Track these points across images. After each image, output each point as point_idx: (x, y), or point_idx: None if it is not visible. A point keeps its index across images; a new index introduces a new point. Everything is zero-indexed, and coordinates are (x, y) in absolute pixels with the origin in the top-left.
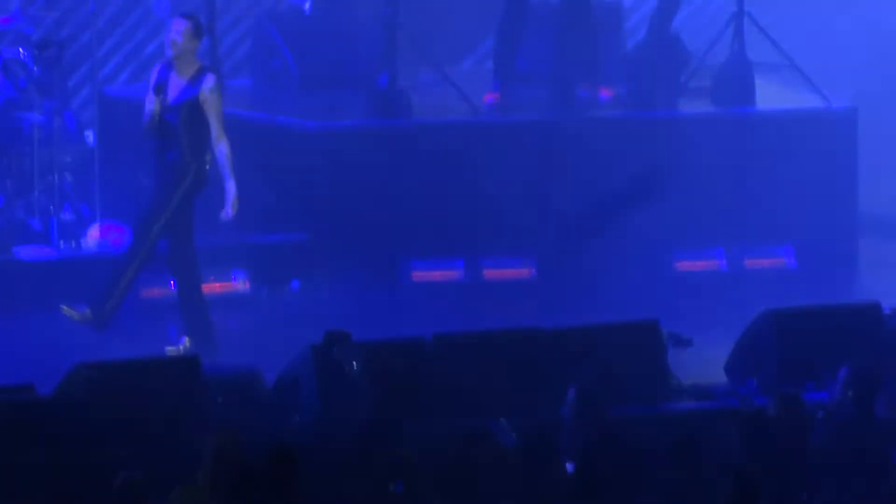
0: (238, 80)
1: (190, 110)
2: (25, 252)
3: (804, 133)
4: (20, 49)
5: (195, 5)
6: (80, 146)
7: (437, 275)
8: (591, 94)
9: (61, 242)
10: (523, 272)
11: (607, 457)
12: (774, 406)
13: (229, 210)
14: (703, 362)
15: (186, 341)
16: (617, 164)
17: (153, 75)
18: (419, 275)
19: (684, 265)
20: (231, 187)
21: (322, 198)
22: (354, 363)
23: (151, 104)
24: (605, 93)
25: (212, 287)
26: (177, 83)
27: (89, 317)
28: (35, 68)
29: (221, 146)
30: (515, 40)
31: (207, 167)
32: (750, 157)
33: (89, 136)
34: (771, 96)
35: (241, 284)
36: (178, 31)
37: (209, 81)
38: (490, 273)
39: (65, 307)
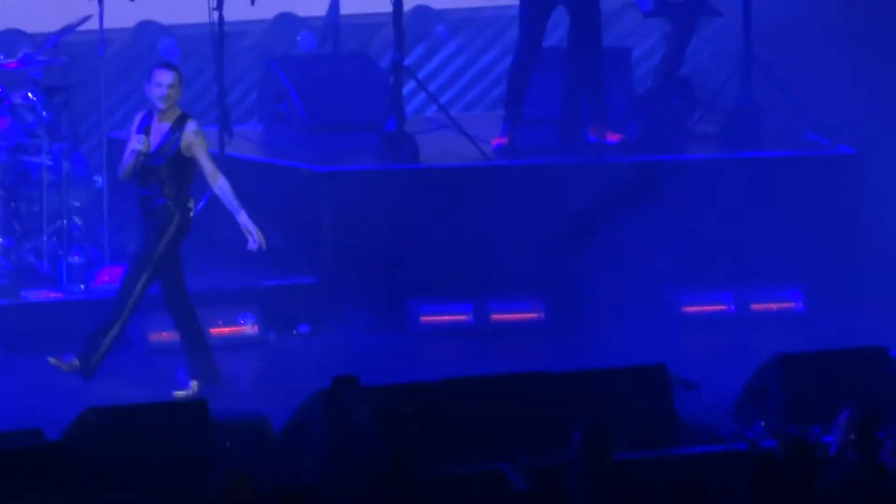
0: (247, 125)
1: (174, 156)
2: (34, 295)
3: (812, 176)
4: (29, 93)
5: (204, 51)
6: (88, 190)
7: (445, 318)
8: (599, 138)
9: (70, 286)
10: (532, 315)
11: (614, 499)
12: (782, 449)
13: (255, 240)
14: (711, 405)
15: (194, 385)
16: (625, 207)
17: (136, 122)
18: (428, 318)
19: (692, 308)
20: (244, 219)
21: (330, 241)
22: (363, 407)
23: (138, 146)
24: (614, 137)
25: (220, 330)
26: (159, 130)
27: (77, 367)
28: (44, 112)
29: (220, 182)
30: (524, 84)
31: (191, 213)
32: (758, 200)
33: (98, 180)
34: (779, 140)
35: (249, 328)
36: (167, 83)
37: (191, 126)
38: (499, 316)
39: (52, 358)
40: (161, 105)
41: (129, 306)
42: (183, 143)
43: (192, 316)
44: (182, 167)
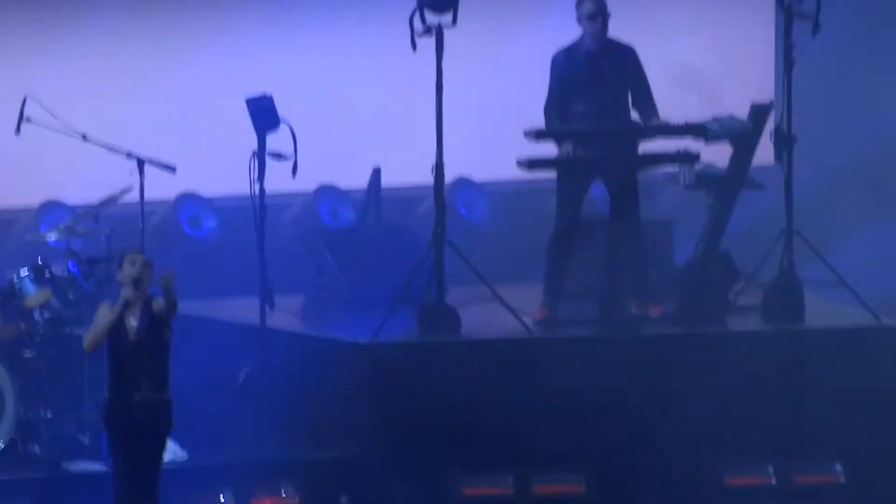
0: (288, 297)
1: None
2: (75, 466)
3: (854, 349)
4: (69, 265)
5: (245, 222)
6: None
7: (487, 490)
8: (641, 311)
9: (110, 458)
10: (573, 488)
11: None
12: None
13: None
14: None
15: None
16: (666, 380)
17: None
18: (469, 490)
19: (734, 480)
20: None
21: (371, 413)
22: None
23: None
24: (655, 310)
25: (262, 502)
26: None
27: None
28: (85, 284)
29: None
30: (564, 258)
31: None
32: (800, 372)
33: None
34: (821, 313)
35: (290, 500)
36: (142, 268)
37: (156, 299)
38: (540, 488)
39: None
40: (132, 291)
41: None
42: (156, 310)
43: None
44: (162, 344)
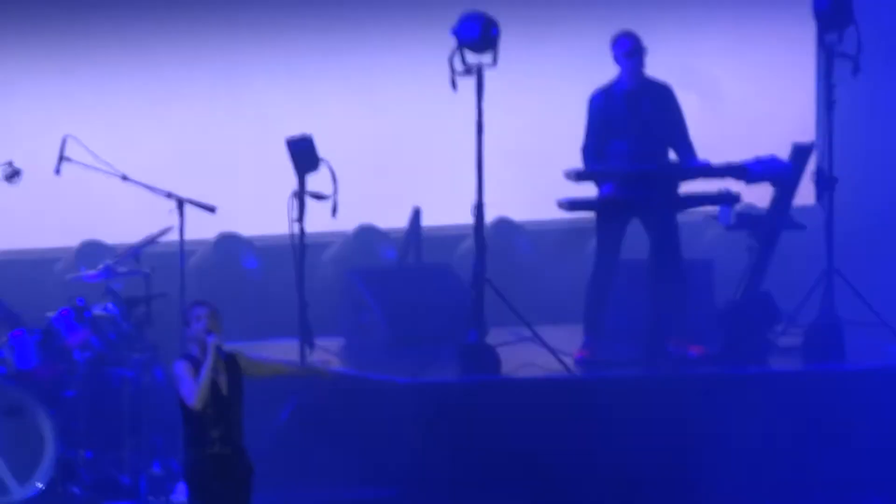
0: (328, 337)
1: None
2: None
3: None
4: (110, 305)
5: (285, 262)
6: (169, 402)
7: None
8: (681, 351)
9: (150, 498)
10: None
11: None
12: None
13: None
14: None
15: None
16: (707, 420)
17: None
18: None
19: None
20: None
21: (412, 453)
22: None
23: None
24: (696, 349)
25: None
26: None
27: None
28: (125, 324)
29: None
30: (604, 297)
31: None
32: (841, 413)
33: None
34: (862, 353)
35: None
36: (208, 319)
37: (240, 355)
38: None
39: None
40: (212, 338)
41: None
42: (243, 366)
43: None
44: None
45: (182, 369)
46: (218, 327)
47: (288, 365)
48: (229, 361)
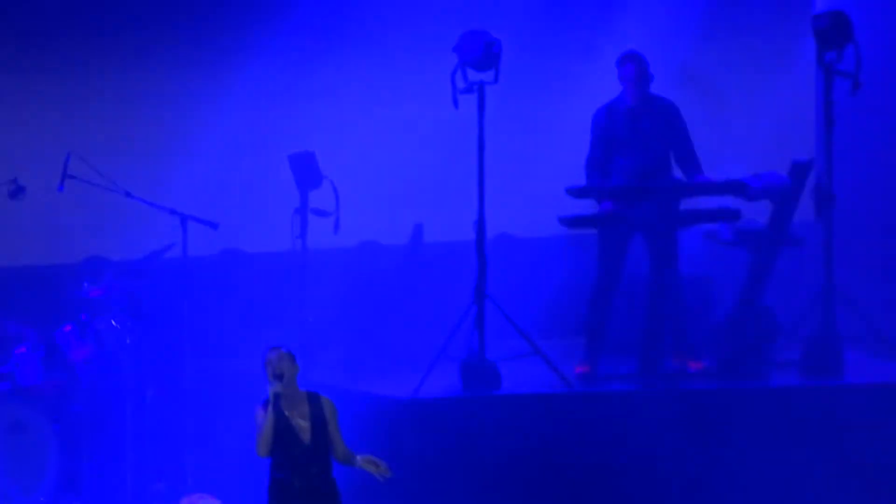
0: (328, 353)
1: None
2: None
3: (894, 405)
4: (113, 320)
5: (287, 278)
6: (172, 416)
7: None
8: (680, 366)
9: None
10: None
11: None
12: None
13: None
14: None
15: None
16: (706, 435)
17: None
18: None
19: None
20: (364, 458)
21: (413, 469)
22: None
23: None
24: (695, 364)
25: None
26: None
27: None
28: (128, 339)
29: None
30: (604, 313)
31: None
32: (840, 429)
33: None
34: (861, 369)
35: None
36: (279, 362)
37: (328, 402)
38: None
39: None
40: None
41: None
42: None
43: None
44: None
45: (256, 415)
46: (286, 370)
47: (353, 455)
48: (313, 401)
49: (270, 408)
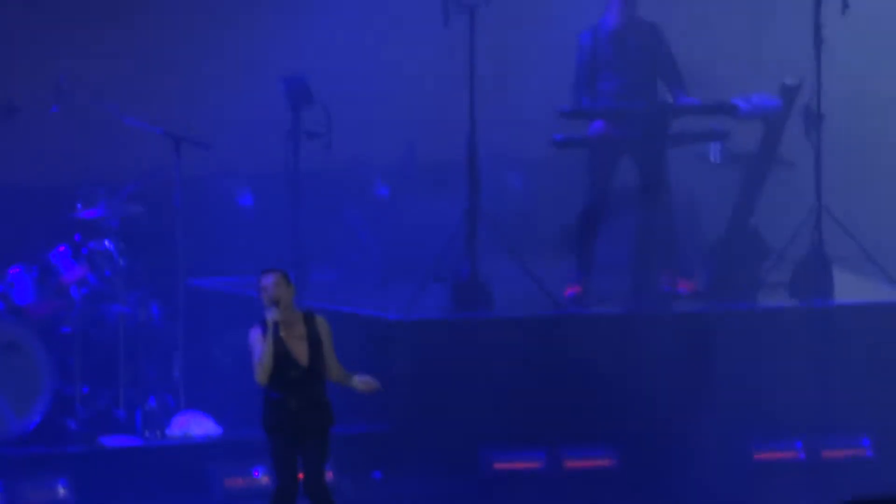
0: (321, 273)
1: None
2: (111, 441)
3: (882, 325)
4: (106, 241)
5: (279, 198)
6: (165, 337)
7: (518, 465)
8: (671, 287)
9: (146, 432)
10: (604, 462)
11: None
12: None
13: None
14: None
15: None
16: (696, 356)
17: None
18: (500, 465)
19: (762, 455)
20: (359, 378)
21: (403, 389)
22: None
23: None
24: (686, 285)
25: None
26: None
27: None
28: (121, 260)
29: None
30: (594, 232)
31: None
32: (828, 348)
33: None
34: (849, 289)
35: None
36: (275, 288)
37: (323, 323)
38: (571, 463)
39: None
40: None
41: None
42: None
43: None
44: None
45: (252, 338)
46: (283, 295)
47: (349, 375)
48: (308, 321)
49: (270, 335)
